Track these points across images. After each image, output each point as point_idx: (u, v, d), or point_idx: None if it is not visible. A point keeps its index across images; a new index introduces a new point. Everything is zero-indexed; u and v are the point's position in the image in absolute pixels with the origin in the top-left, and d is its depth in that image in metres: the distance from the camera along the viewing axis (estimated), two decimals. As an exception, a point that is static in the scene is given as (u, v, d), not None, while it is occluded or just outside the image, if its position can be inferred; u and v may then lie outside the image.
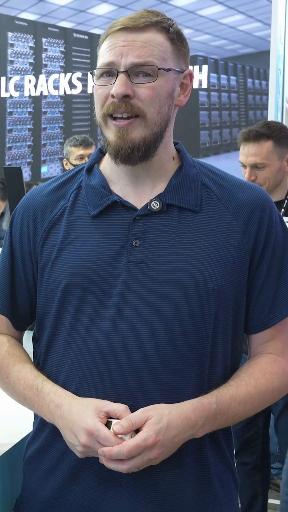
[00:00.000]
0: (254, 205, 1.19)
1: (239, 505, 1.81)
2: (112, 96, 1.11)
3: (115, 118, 1.13)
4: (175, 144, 1.24)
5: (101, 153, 1.26)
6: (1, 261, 1.26)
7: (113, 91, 1.11)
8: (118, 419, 1.07)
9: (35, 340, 1.26)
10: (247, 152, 2.38)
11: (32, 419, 1.29)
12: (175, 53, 1.15)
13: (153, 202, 1.16)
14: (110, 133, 1.14)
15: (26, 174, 5.16)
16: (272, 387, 1.18)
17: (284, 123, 3.47)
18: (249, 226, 1.17)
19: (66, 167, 3.81)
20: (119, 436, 1.05)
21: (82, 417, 1.07)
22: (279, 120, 4.45)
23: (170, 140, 1.20)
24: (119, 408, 1.08)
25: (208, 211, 1.17)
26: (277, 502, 2.97)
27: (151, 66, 1.11)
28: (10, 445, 1.37)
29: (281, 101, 4.56)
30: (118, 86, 1.10)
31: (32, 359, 1.26)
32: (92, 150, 3.67)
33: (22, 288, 1.24)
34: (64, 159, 3.87)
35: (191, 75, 1.20)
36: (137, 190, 1.19)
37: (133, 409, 1.08)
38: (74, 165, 3.51)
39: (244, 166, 2.41)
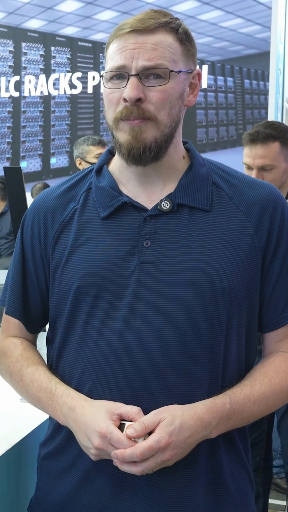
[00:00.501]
0: (265, 203, 1.13)
1: None
2: (124, 100, 1.06)
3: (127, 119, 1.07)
4: (184, 143, 1.18)
5: (110, 154, 1.21)
6: (13, 265, 1.22)
7: (126, 95, 1.05)
8: (131, 421, 1.02)
9: (48, 342, 1.21)
10: (255, 154, 2.22)
11: (33, 419, 1.27)
12: (184, 54, 1.10)
13: (163, 202, 1.11)
14: (123, 133, 1.08)
15: (38, 165, 5.85)
16: (286, 386, 1.13)
17: (284, 123, 3.39)
18: (260, 224, 1.12)
19: (80, 167, 3.52)
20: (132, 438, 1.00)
21: (95, 420, 1.03)
22: (279, 120, 4.39)
23: (179, 140, 1.15)
24: (132, 410, 1.03)
25: (219, 210, 1.12)
26: (278, 502, 2.92)
27: (162, 69, 1.05)
28: (10, 445, 1.33)
29: (281, 101, 4.50)
30: (130, 90, 1.05)
31: (46, 360, 1.22)
32: None
33: (34, 291, 1.20)
34: (78, 159, 3.55)
35: (199, 75, 1.14)
36: (147, 191, 1.13)
37: (146, 410, 1.03)
38: (92, 163, 3.29)
39: (249, 167, 2.26)
